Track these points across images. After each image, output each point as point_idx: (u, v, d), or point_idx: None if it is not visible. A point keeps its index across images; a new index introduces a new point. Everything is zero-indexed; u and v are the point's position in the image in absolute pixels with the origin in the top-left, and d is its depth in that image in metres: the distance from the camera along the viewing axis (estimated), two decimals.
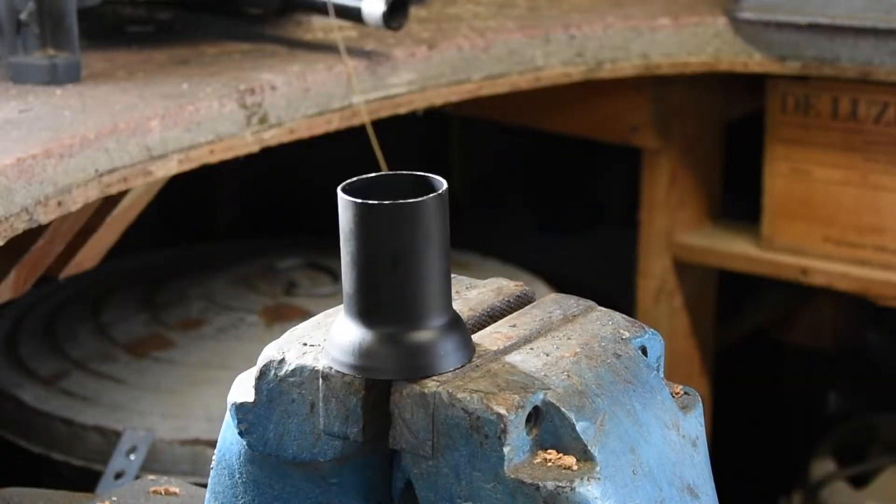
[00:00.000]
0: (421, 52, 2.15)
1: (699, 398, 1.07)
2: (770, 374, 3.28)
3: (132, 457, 2.23)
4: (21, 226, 1.66)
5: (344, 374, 0.98)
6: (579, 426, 0.95)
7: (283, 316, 2.63)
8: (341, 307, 1.07)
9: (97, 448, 2.32)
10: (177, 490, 1.37)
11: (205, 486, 1.08)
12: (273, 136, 1.98)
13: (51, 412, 2.40)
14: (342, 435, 0.98)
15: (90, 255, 2.24)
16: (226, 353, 2.52)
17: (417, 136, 3.45)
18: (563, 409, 0.95)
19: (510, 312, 1.09)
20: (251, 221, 3.54)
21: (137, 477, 1.42)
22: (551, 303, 1.10)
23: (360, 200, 0.99)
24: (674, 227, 2.66)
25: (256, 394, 1.01)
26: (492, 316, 1.09)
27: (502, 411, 0.93)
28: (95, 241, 2.21)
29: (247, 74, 2.00)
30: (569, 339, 1.03)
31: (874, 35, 2.23)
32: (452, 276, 1.14)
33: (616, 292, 2.83)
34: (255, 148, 1.97)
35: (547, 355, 1.01)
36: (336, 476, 1.00)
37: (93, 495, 1.43)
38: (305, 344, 1.01)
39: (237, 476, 1.03)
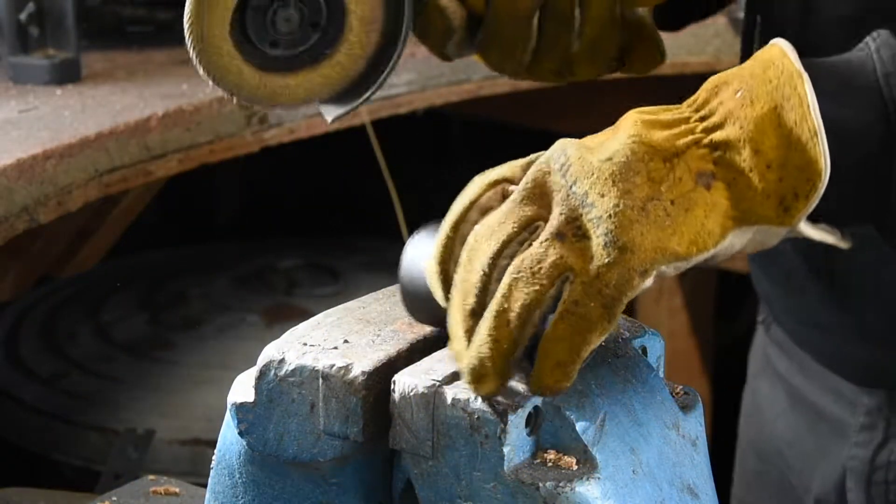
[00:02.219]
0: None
1: (699, 398, 1.07)
2: None
3: (132, 457, 2.23)
4: (21, 226, 1.66)
5: (344, 374, 0.98)
6: (579, 426, 0.95)
7: (283, 316, 2.63)
8: (341, 307, 1.07)
9: (97, 448, 2.32)
10: (177, 490, 1.37)
11: (205, 486, 1.08)
12: (273, 136, 1.98)
13: (51, 412, 2.40)
14: (342, 435, 0.98)
15: (90, 255, 2.25)
16: (226, 353, 2.52)
17: (417, 136, 3.45)
18: (563, 410, 0.95)
19: None
20: (251, 221, 3.54)
21: (137, 477, 1.42)
22: None
23: None
24: None
25: (256, 394, 1.01)
26: None
27: (502, 411, 0.93)
28: (95, 241, 2.21)
29: None
30: None
31: None
32: None
33: None
34: (255, 148, 1.97)
35: None
36: (336, 476, 1.00)
37: (93, 495, 1.43)
38: (305, 344, 1.01)
39: (237, 476, 1.03)
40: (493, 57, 1.22)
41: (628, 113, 0.95)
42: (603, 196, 0.90)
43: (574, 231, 0.90)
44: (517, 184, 0.94)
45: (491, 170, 0.96)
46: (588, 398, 0.97)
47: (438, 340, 1.04)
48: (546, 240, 0.90)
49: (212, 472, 1.06)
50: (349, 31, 1.15)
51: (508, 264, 0.91)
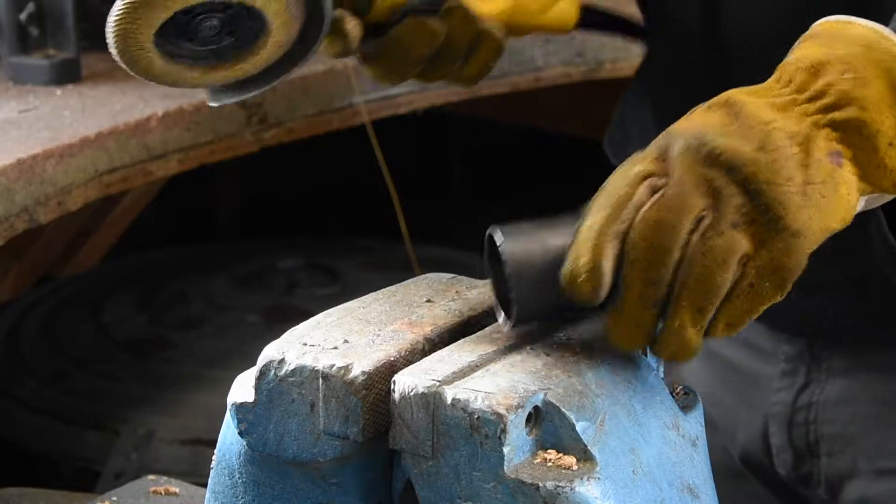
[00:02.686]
0: None
1: (699, 398, 1.07)
2: None
3: (132, 457, 2.23)
4: (21, 226, 1.66)
5: (344, 374, 0.98)
6: (579, 426, 0.95)
7: (283, 316, 2.63)
8: (341, 307, 1.07)
9: (97, 448, 2.32)
10: (177, 490, 1.37)
11: (205, 486, 1.08)
12: (273, 136, 1.98)
13: (51, 412, 2.40)
14: (342, 435, 0.98)
15: (90, 255, 2.25)
16: (226, 353, 2.52)
17: (417, 136, 3.45)
18: (563, 409, 0.95)
19: None
20: (251, 221, 3.54)
21: (137, 477, 1.42)
22: None
23: None
24: None
25: (256, 394, 1.01)
26: (492, 316, 1.09)
27: (502, 411, 0.93)
28: (95, 241, 2.21)
29: None
30: (569, 339, 1.03)
31: None
32: (452, 276, 1.14)
33: None
34: (254, 148, 1.97)
35: (547, 355, 1.01)
36: (336, 476, 1.00)
37: (93, 495, 1.43)
38: (305, 344, 1.01)
39: (237, 476, 1.03)
40: (374, 73, 1.31)
41: (732, 93, 1.00)
42: (769, 184, 0.96)
43: (743, 218, 0.96)
44: (659, 177, 0.98)
45: (626, 166, 1.00)
46: (588, 398, 0.97)
47: (439, 341, 1.04)
48: (726, 229, 0.95)
49: (212, 472, 1.06)
50: (262, 48, 1.20)
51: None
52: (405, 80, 1.32)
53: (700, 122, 0.99)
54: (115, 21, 1.14)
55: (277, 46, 1.20)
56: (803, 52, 1.02)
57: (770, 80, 1.02)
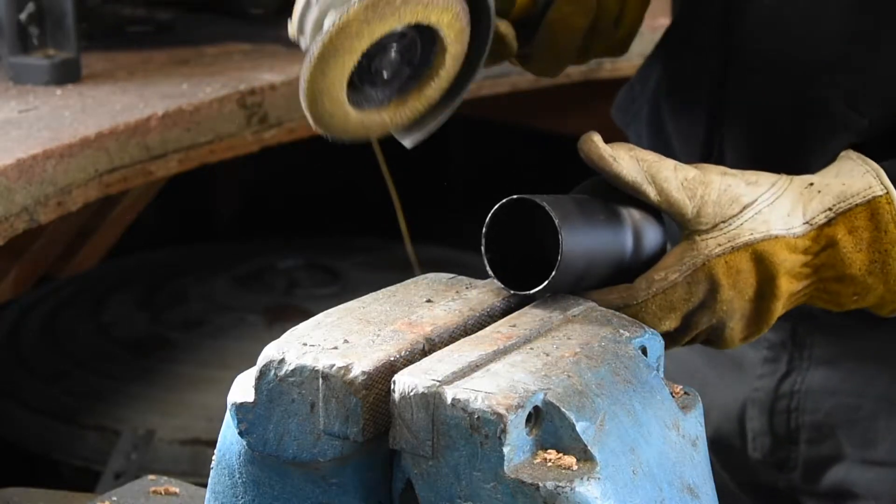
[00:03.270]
0: None
1: (699, 398, 1.07)
2: None
3: (132, 457, 2.23)
4: (21, 226, 1.66)
5: (344, 374, 0.98)
6: (579, 426, 0.95)
7: (283, 316, 2.63)
8: (341, 307, 1.07)
9: (97, 448, 2.32)
10: (177, 490, 1.37)
11: (205, 486, 1.08)
12: (273, 136, 1.98)
13: (51, 412, 2.40)
14: (342, 435, 0.98)
15: (90, 255, 2.25)
16: (226, 353, 2.52)
17: None
18: (563, 409, 0.95)
19: (510, 312, 1.09)
20: (251, 221, 3.54)
21: (137, 477, 1.42)
22: (551, 303, 1.10)
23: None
24: None
25: (256, 394, 1.01)
26: (492, 316, 1.09)
27: (502, 411, 0.93)
28: (95, 241, 2.21)
29: (247, 74, 2.00)
30: (569, 339, 1.03)
31: None
32: (452, 276, 1.14)
33: None
34: (255, 148, 1.97)
35: (547, 355, 1.01)
36: (336, 476, 1.00)
37: (93, 495, 1.43)
38: (305, 344, 1.01)
39: (237, 476, 1.03)
40: (537, 65, 1.34)
41: None
42: None
43: None
44: None
45: None
46: (588, 398, 0.97)
47: (439, 341, 1.04)
48: None
49: (212, 472, 1.06)
50: (441, 67, 1.17)
51: None
52: (566, 64, 1.34)
53: None
54: (307, 87, 1.10)
55: (454, 60, 1.17)
56: None
57: None
